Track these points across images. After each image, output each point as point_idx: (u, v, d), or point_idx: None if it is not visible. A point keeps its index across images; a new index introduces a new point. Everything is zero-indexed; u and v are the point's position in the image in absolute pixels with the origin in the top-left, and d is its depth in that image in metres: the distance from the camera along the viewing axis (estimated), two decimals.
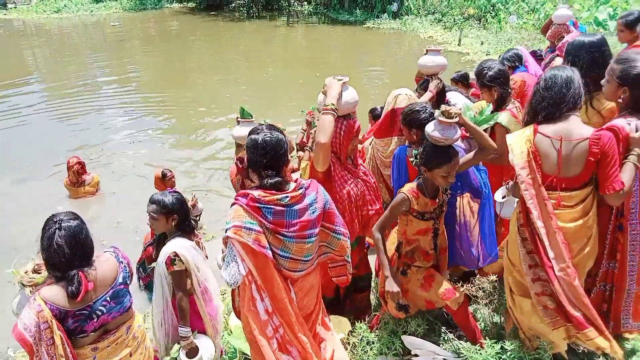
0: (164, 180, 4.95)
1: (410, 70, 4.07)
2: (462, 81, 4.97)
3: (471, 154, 2.77)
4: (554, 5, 15.00)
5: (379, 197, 3.14)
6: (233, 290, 2.37)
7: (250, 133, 2.22)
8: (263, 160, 2.14)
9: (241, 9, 23.58)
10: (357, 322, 3.03)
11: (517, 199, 2.72)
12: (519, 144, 2.54)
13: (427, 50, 3.82)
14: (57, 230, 2.10)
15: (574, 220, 2.49)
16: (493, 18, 16.67)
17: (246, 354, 2.86)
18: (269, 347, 2.20)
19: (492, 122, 3.06)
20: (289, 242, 2.15)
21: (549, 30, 5.67)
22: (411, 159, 2.78)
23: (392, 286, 2.64)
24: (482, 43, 14.32)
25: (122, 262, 2.33)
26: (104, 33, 19.77)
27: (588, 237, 2.53)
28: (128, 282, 2.34)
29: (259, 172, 2.17)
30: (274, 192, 2.12)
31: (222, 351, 3.20)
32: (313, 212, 2.22)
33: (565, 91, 2.47)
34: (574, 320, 2.45)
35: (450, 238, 2.99)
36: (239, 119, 3.68)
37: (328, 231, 2.37)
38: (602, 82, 2.67)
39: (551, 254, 2.47)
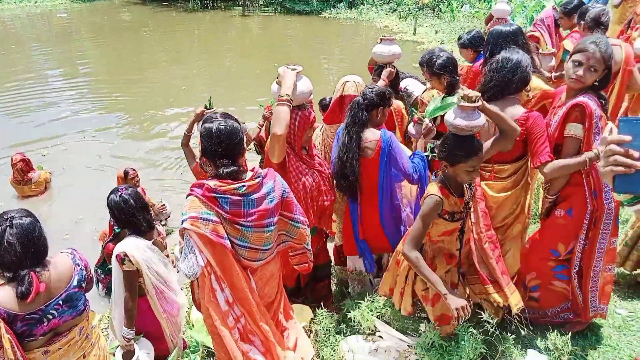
0: (127, 180, 4.81)
1: (367, 59, 4.10)
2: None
3: (489, 141, 2.56)
4: None
5: (333, 189, 3.14)
6: (192, 283, 2.34)
7: (204, 122, 2.16)
8: (218, 149, 2.08)
9: None
10: (318, 309, 3.06)
11: None
12: None
13: (381, 40, 3.86)
14: (7, 228, 2.00)
15: (506, 190, 2.82)
16: (446, 7, 16.97)
17: (208, 347, 2.86)
18: (230, 337, 2.19)
19: (450, 108, 3.11)
20: (247, 231, 2.13)
21: (489, 24, 5.87)
22: (426, 154, 2.62)
23: (457, 301, 2.29)
24: (436, 32, 14.58)
25: (78, 265, 2.24)
26: (50, 25, 18.93)
27: (517, 204, 2.86)
28: (83, 285, 2.24)
29: (214, 161, 2.12)
30: (230, 181, 2.08)
31: (185, 345, 3.18)
32: (271, 201, 2.20)
33: (511, 76, 2.69)
34: (480, 276, 2.78)
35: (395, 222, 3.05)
36: (206, 112, 3.49)
37: (287, 220, 2.36)
38: (580, 72, 2.57)
39: (473, 219, 2.78)
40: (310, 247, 2.56)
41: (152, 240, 2.89)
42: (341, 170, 2.93)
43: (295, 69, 2.74)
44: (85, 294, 2.30)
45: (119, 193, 2.81)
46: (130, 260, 2.71)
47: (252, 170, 2.21)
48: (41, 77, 11.66)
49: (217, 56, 13.73)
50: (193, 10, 21.50)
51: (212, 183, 2.07)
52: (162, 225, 5.00)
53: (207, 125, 2.12)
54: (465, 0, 17.12)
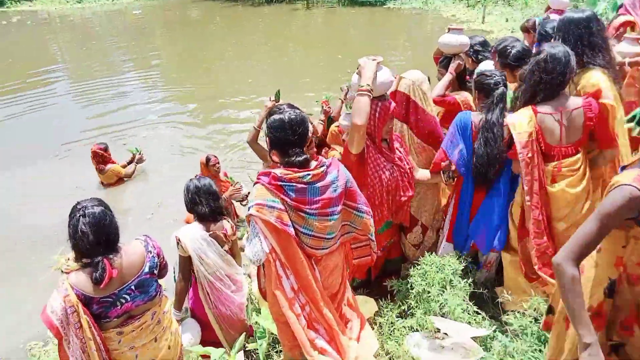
0: (208, 166, 5.03)
1: (432, 49, 3.98)
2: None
3: None
4: None
5: (412, 184, 3.03)
6: (259, 271, 2.40)
7: (272, 114, 2.21)
8: (291, 138, 2.14)
9: None
10: (383, 302, 3.03)
11: None
12: (521, 124, 2.70)
13: (449, 29, 3.73)
14: (81, 217, 2.12)
15: (582, 181, 2.73)
16: None
17: (274, 334, 2.91)
18: (298, 323, 2.23)
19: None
20: (311, 219, 2.16)
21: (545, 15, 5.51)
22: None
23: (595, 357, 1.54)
24: (506, 20, 13.97)
25: (150, 252, 2.33)
26: (125, 21, 19.96)
27: (588, 192, 2.78)
28: (155, 271, 2.34)
29: (286, 150, 2.16)
30: (295, 169, 2.13)
31: (251, 332, 3.26)
32: (335, 190, 2.22)
33: (562, 78, 2.61)
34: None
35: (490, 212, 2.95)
36: (276, 105, 3.52)
37: (351, 210, 2.36)
38: None
39: (528, 224, 2.76)
40: (374, 238, 2.54)
41: (211, 233, 2.98)
42: (486, 167, 2.86)
43: (376, 60, 2.69)
44: (158, 280, 2.40)
45: (194, 179, 3.05)
46: (182, 247, 2.84)
47: (317, 159, 2.23)
48: (118, 71, 12.35)
49: (282, 49, 13.91)
50: (259, 5, 21.88)
51: (278, 172, 2.12)
52: (243, 205, 5.17)
53: (277, 116, 2.16)
54: None
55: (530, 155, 2.68)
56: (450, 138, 2.99)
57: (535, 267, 2.74)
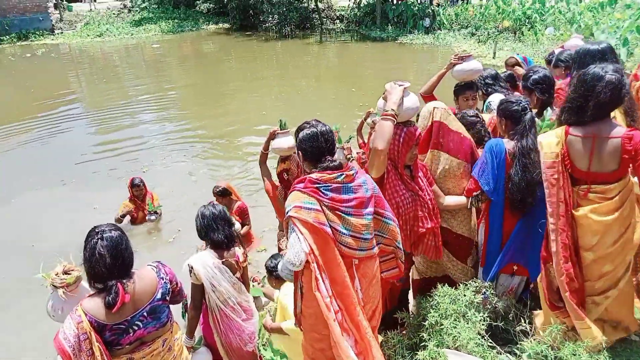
0: (215, 194, 5.09)
1: (444, 83, 3.98)
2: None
3: None
4: (593, 16, 14.68)
5: (436, 215, 2.95)
6: (295, 295, 2.40)
7: (300, 130, 2.36)
8: (325, 145, 2.31)
9: (274, 28, 24.04)
10: (390, 333, 2.97)
11: None
12: (549, 144, 2.63)
13: (459, 57, 3.60)
14: (99, 241, 2.15)
15: (614, 211, 2.56)
16: (529, 30, 16.41)
17: None
18: (335, 320, 2.22)
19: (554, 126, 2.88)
20: (348, 217, 2.25)
21: None
22: None
23: None
24: (517, 55, 14.10)
25: (162, 278, 2.34)
26: (143, 55, 20.51)
27: (626, 226, 2.60)
28: (167, 298, 2.34)
29: (320, 158, 2.31)
30: (329, 172, 2.26)
31: None
32: (366, 191, 2.33)
33: (582, 101, 2.49)
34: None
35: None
36: (278, 132, 3.67)
37: (379, 217, 2.42)
38: None
39: (554, 248, 2.62)
40: (401, 246, 2.55)
41: (223, 260, 2.98)
42: (524, 193, 2.83)
43: (402, 85, 2.69)
44: (170, 307, 2.39)
45: (208, 206, 3.08)
46: (195, 274, 2.84)
47: (346, 165, 2.38)
48: (132, 98, 12.77)
49: (295, 82, 14.16)
50: (273, 39, 22.39)
51: (314, 176, 2.26)
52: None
53: (308, 130, 2.33)
54: (550, 23, 16.46)
55: (555, 176, 2.60)
56: (482, 166, 2.95)
57: (567, 295, 2.60)
